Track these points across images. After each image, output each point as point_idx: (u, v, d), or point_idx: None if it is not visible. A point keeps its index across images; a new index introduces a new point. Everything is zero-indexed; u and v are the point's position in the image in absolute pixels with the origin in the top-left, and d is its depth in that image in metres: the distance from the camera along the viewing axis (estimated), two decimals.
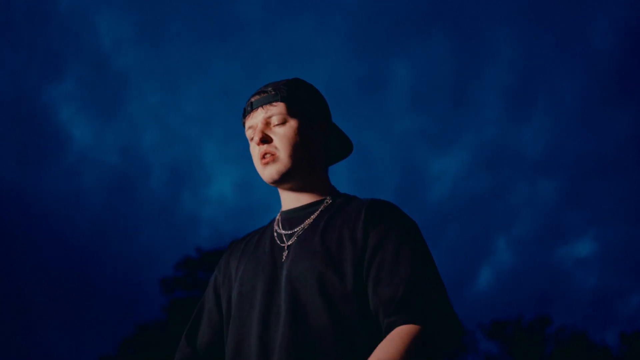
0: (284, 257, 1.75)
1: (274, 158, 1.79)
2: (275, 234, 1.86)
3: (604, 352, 32.94)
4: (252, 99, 1.86)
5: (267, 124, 1.82)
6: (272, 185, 1.85)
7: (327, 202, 1.86)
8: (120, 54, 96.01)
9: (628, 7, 78.64)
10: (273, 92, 1.83)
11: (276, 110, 1.81)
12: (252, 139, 1.86)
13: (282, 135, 1.80)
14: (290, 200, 1.89)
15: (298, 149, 1.80)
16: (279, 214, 1.93)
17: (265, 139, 1.80)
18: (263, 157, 1.81)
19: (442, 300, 1.57)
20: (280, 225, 1.88)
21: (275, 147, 1.80)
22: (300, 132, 1.82)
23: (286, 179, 1.82)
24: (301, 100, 1.86)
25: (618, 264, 63.24)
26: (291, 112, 1.82)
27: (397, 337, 1.49)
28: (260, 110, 1.83)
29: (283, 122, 1.81)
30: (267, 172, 1.81)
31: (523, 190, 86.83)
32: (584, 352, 32.35)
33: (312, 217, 1.82)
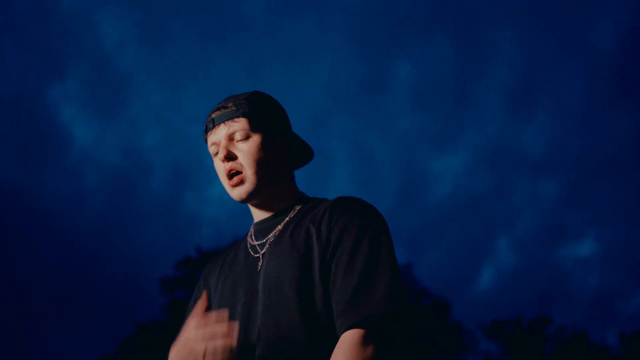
0: (259, 267, 1.77)
1: (241, 178, 1.80)
2: (249, 246, 1.88)
3: (604, 352, 32.93)
4: (213, 115, 1.85)
5: (230, 140, 1.82)
6: (243, 202, 1.87)
7: (295, 208, 1.88)
8: (121, 54, 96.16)
9: (629, 7, 78.66)
10: (234, 108, 1.83)
11: (238, 126, 1.81)
12: (215, 154, 1.86)
13: (247, 152, 1.80)
14: (260, 213, 1.91)
15: (263, 164, 1.81)
16: (252, 227, 1.95)
17: (230, 156, 1.80)
18: (229, 176, 1.81)
19: (390, 297, 1.55)
20: (253, 237, 1.90)
21: (241, 165, 1.80)
22: (263, 147, 1.82)
23: (254, 197, 1.83)
24: (262, 114, 1.85)
25: (619, 264, 63.32)
26: (253, 127, 1.82)
27: (343, 346, 1.49)
28: (222, 126, 1.83)
29: (246, 138, 1.81)
30: (236, 193, 1.82)
31: (524, 190, 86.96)
32: (584, 352, 32.33)
33: (282, 223, 1.84)
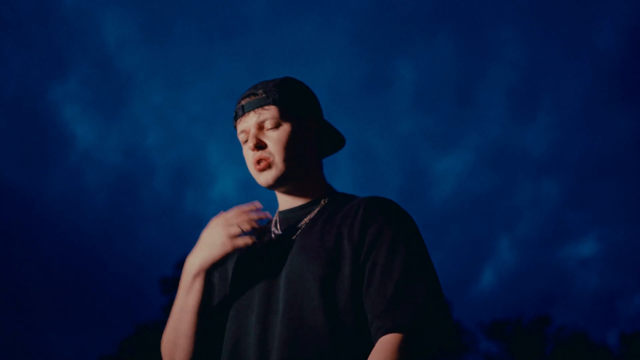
0: (282, 257, 1.73)
1: (269, 164, 1.77)
2: (272, 235, 1.85)
3: (604, 352, 32.90)
4: (243, 102, 1.82)
5: (260, 128, 1.79)
6: (271, 189, 1.85)
7: (324, 201, 1.84)
8: (124, 54, 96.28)
9: (632, 8, 78.53)
10: (264, 95, 1.79)
11: (268, 114, 1.78)
12: (244, 142, 1.83)
13: (277, 140, 1.77)
14: (287, 201, 1.87)
15: (293, 153, 1.78)
16: (276, 215, 1.91)
17: (260, 145, 1.77)
18: (257, 162, 1.78)
19: (430, 302, 1.52)
20: (277, 226, 1.86)
21: (270, 153, 1.77)
22: (294, 135, 1.79)
23: (282, 183, 1.80)
24: (293, 102, 1.82)
25: (620, 264, 63.24)
26: (284, 115, 1.79)
27: (382, 349, 1.46)
28: (252, 114, 1.79)
29: (276, 126, 1.78)
30: (263, 178, 1.79)
31: (526, 191, 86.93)
32: (584, 352, 32.29)
33: (310, 216, 1.80)
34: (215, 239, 1.71)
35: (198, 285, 1.72)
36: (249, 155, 1.81)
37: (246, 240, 1.68)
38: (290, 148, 1.77)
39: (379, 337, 1.50)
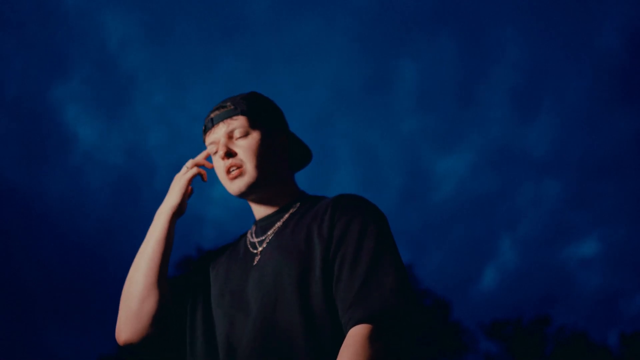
0: (255, 261, 1.78)
1: (241, 172, 1.82)
2: (248, 242, 1.89)
3: (604, 352, 32.87)
4: (212, 115, 1.88)
5: (229, 137, 1.85)
6: (238, 197, 1.88)
7: (295, 205, 1.88)
8: (126, 54, 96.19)
9: (633, 8, 78.45)
10: (232, 107, 1.86)
11: (237, 123, 1.84)
12: (214, 153, 1.88)
13: (246, 148, 1.82)
14: (260, 210, 1.92)
15: (262, 159, 1.83)
16: (253, 224, 1.96)
17: (230, 153, 1.82)
18: (228, 171, 1.83)
19: (397, 291, 1.53)
20: (253, 234, 1.91)
21: (241, 160, 1.82)
22: (263, 144, 1.84)
23: (253, 191, 1.84)
24: (260, 113, 1.89)
25: (622, 264, 63.29)
26: (252, 124, 1.85)
27: (352, 341, 1.47)
28: (221, 125, 1.85)
29: (245, 135, 1.84)
30: (235, 186, 1.83)
31: (528, 191, 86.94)
32: (584, 352, 32.27)
33: (282, 220, 1.85)
34: (172, 186, 1.93)
35: (160, 223, 1.87)
36: (220, 166, 1.86)
37: (193, 171, 1.91)
38: (261, 155, 1.83)
39: (349, 329, 1.51)
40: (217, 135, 1.86)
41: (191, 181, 1.91)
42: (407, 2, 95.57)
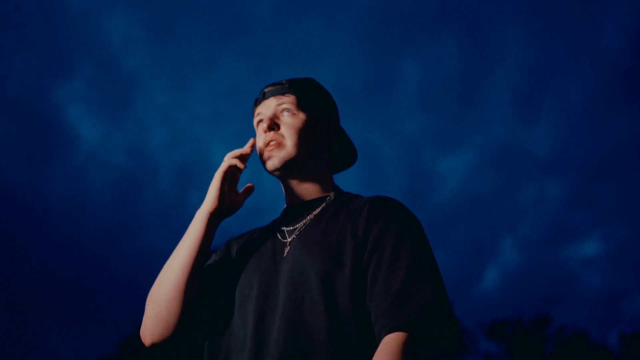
0: (285, 252, 1.73)
1: (279, 145, 1.81)
2: (277, 230, 1.85)
3: (604, 352, 32.84)
4: (266, 90, 1.91)
5: (276, 113, 1.86)
6: (273, 173, 1.86)
7: (329, 198, 1.85)
8: (128, 54, 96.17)
9: (636, 8, 78.33)
10: (287, 85, 1.88)
11: (287, 100, 1.86)
12: (258, 124, 1.90)
13: (290, 125, 1.83)
14: (293, 195, 1.89)
15: (304, 140, 1.82)
16: (283, 210, 1.92)
17: (273, 127, 1.83)
18: (268, 145, 1.83)
19: (435, 301, 1.51)
20: (282, 221, 1.87)
21: (282, 135, 1.82)
22: (308, 126, 1.85)
23: (288, 168, 1.83)
24: (312, 97, 1.90)
25: (624, 265, 63.19)
26: (301, 105, 1.86)
27: (386, 347, 1.45)
28: (272, 99, 1.88)
29: (293, 114, 1.85)
30: (271, 161, 1.82)
31: (529, 191, 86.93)
32: (584, 352, 32.23)
33: (315, 212, 1.81)
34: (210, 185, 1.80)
35: (195, 224, 1.78)
36: (261, 138, 1.86)
37: (231, 162, 1.77)
38: (303, 135, 1.82)
39: (384, 336, 1.49)
40: (265, 108, 1.88)
41: (226, 175, 1.79)
42: (409, 2, 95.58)
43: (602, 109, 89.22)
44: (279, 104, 1.86)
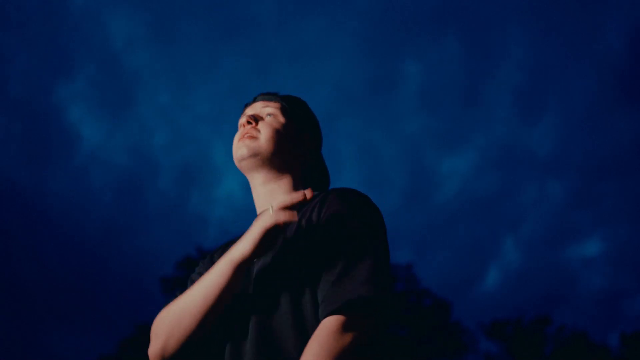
0: (256, 266, 1.74)
1: (252, 138, 1.87)
2: None
3: (604, 352, 32.83)
4: (257, 96, 2.03)
5: (260, 113, 1.95)
6: (240, 165, 1.88)
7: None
8: (130, 54, 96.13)
9: (638, 9, 78.28)
10: (277, 95, 2.00)
11: (273, 105, 1.96)
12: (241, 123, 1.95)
13: (269, 124, 1.90)
14: (262, 201, 1.90)
15: (277, 140, 1.88)
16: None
17: (251, 122, 1.90)
18: (243, 136, 1.89)
19: (369, 282, 1.48)
20: None
21: (258, 131, 1.88)
22: (285, 130, 1.91)
23: (255, 160, 1.86)
24: (296, 111, 2.00)
25: (625, 265, 63.10)
26: (285, 112, 1.96)
27: (320, 332, 1.44)
28: (259, 102, 1.99)
29: (274, 117, 1.93)
30: (239, 149, 1.87)
31: (531, 191, 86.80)
32: (584, 352, 32.23)
33: None
34: (251, 227, 1.62)
35: (220, 267, 1.62)
36: (239, 133, 1.92)
37: (281, 219, 1.53)
38: (277, 135, 1.88)
39: (321, 320, 1.48)
40: (251, 109, 1.99)
41: (271, 230, 1.57)
42: (411, 2, 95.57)
43: (604, 109, 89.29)
44: (264, 107, 1.96)
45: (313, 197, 1.83)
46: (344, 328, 1.43)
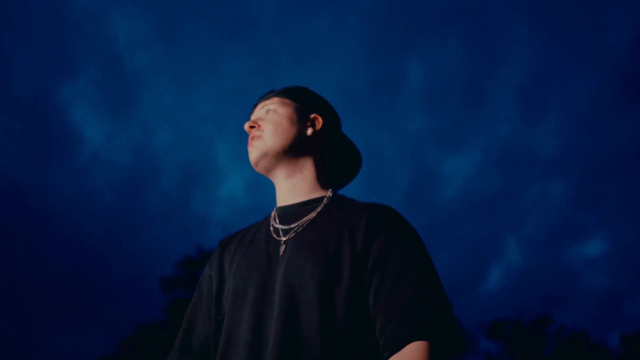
0: (281, 252, 1.73)
1: (258, 138, 1.87)
2: (272, 229, 1.84)
3: (604, 352, 32.79)
4: (256, 102, 2.01)
5: (261, 116, 1.94)
6: (258, 169, 1.89)
7: (326, 200, 1.84)
8: (133, 54, 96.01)
9: None
10: (273, 91, 1.98)
11: (270, 102, 1.94)
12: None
13: (269, 120, 1.88)
14: (285, 195, 1.89)
15: (281, 129, 1.86)
16: (274, 210, 1.91)
17: (253, 125, 1.90)
18: (250, 143, 1.90)
19: (447, 314, 1.54)
20: (277, 220, 1.85)
21: (262, 130, 1.87)
22: (288, 117, 1.89)
23: (268, 159, 1.86)
24: (295, 95, 1.96)
25: (627, 265, 63.03)
26: (283, 102, 1.93)
27: (409, 354, 1.47)
28: (259, 106, 1.97)
29: (274, 111, 1.91)
30: (251, 155, 1.88)
31: (534, 191, 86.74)
32: (584, 352, 32.21)
33: (311, 215, 1.79)
34: None
35: None
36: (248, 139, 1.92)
37: None
38: (280, 125, 1.87)
39: (401, 344, 1.50)
40: (253, 115, 1.98)
41: None
42: (414, 2, 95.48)
43: (606, 109, 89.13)
44: (263, 107, 1.94)
45: (346, 201, 1.84)
46: (432, 353, 1.48)
